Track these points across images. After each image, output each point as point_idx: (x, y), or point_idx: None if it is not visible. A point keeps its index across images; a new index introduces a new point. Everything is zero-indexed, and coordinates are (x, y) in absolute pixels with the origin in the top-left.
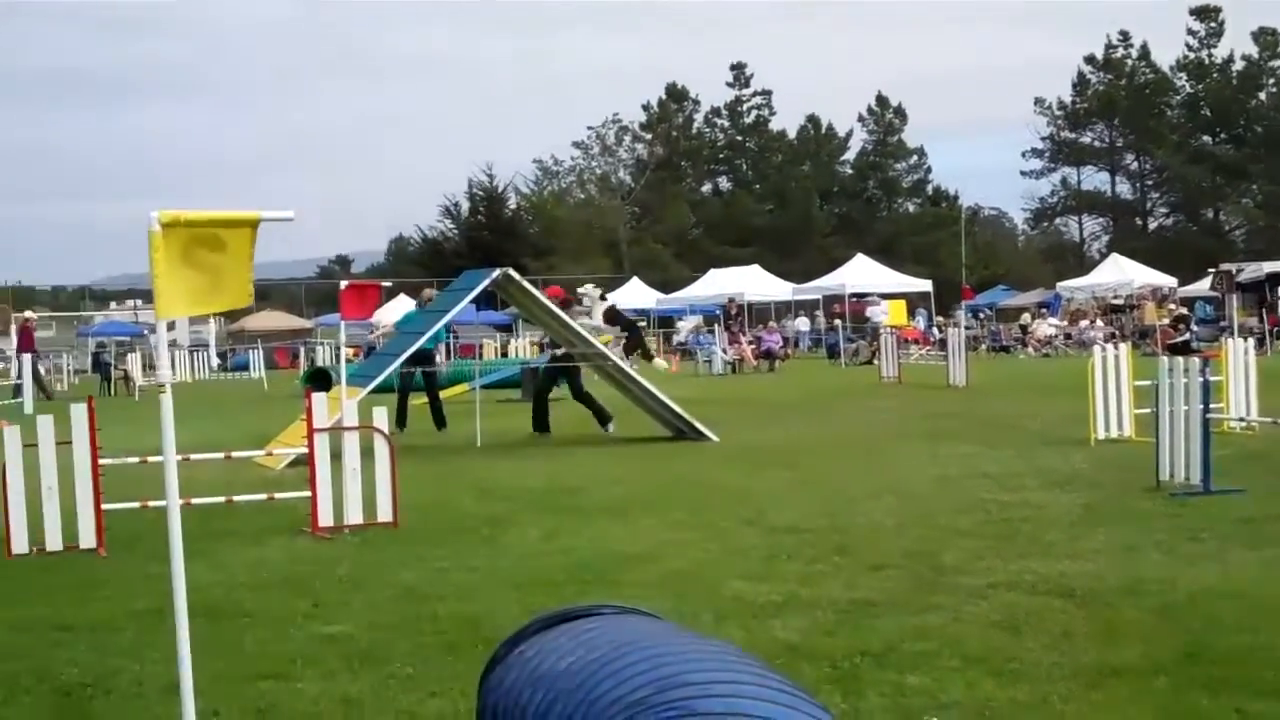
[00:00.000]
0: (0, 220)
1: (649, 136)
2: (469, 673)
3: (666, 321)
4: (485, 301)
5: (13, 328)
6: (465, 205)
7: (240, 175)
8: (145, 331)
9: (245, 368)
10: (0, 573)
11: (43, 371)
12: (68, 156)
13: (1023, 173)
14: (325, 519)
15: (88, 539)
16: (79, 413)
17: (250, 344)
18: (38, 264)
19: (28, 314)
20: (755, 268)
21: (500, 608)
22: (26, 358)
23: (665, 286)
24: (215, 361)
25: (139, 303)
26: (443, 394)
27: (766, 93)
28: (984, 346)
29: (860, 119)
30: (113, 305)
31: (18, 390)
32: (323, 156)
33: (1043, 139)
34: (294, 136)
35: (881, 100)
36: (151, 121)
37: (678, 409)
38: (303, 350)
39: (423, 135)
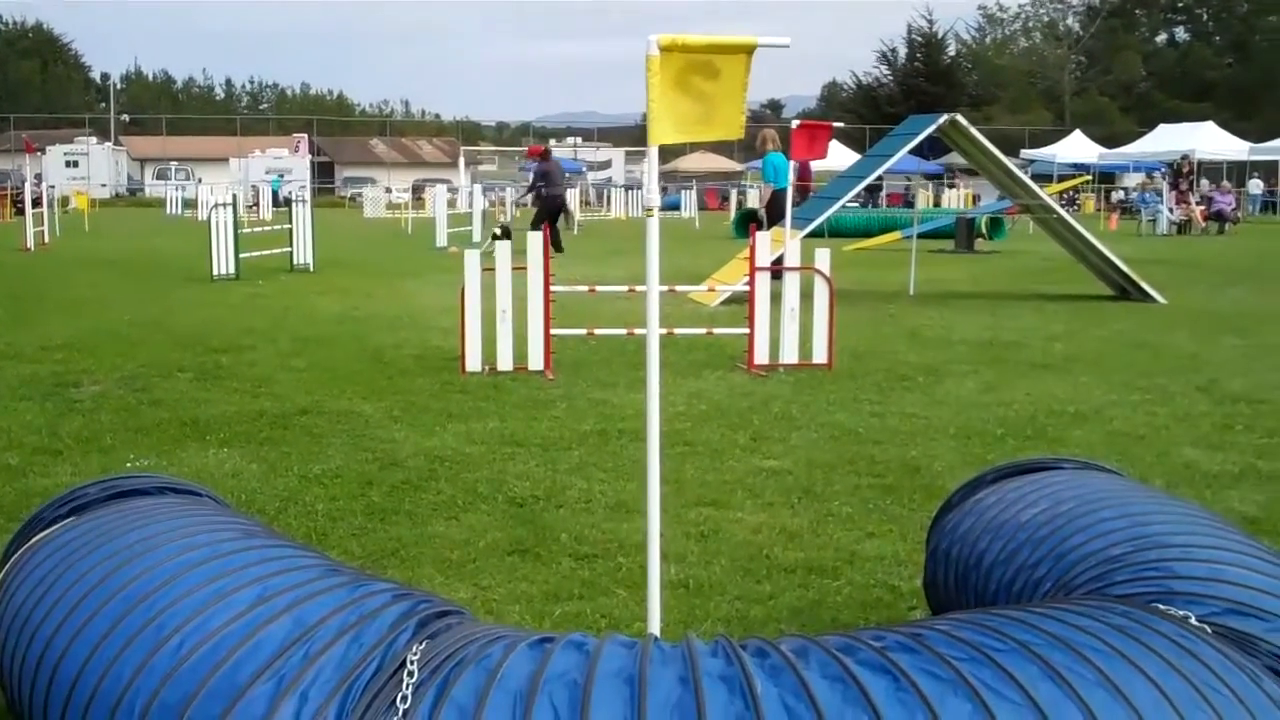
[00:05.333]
0: (448, 58)
1: None
2: (908, 516)
3: (1108, 178)
4: (925, 150)
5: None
6: (903, 51)
7: (674, 23)
8: (584, 169)
9: (676, 207)
10: (456, 388)
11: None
12: None
13: None
14: (761, 357)
15: (536, 362)
16: (534, 241)
17: (684, 184)
18: (484, 101)
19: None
20: (1209, 124)
21: (939, 455)
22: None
23: (1109, 141)
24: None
25: (578, 140)
26: (874, 241)
27: None
28: None
29: None
30: (551, 142)
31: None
32: (752, 0)
33: None
34: None
35: None
36: None
37: (1123, 266)
38: (733, 193)
39: None
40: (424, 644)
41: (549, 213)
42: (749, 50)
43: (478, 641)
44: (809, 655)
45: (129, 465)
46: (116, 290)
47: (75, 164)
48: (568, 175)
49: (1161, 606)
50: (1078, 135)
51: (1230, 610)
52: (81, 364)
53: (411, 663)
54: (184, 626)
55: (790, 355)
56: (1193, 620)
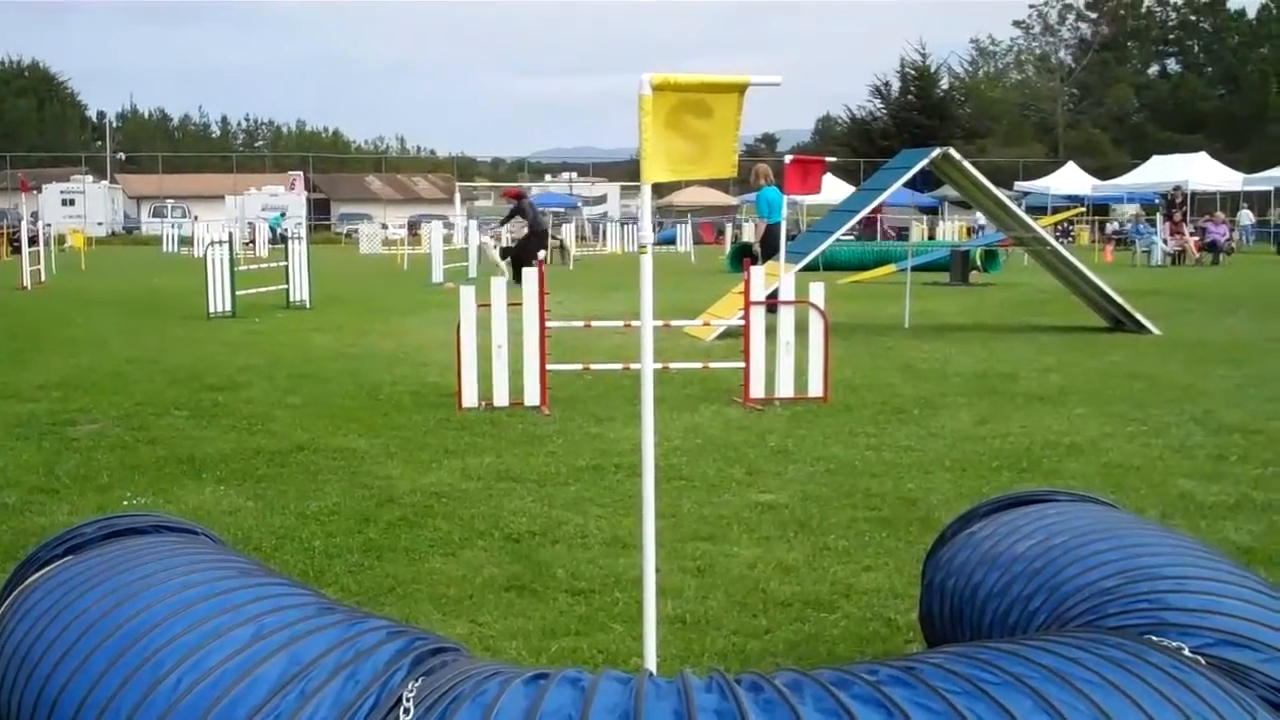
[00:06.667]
0: (444, 94)
1: (1094, 15)
2: (904, 549)
3: (1102, 209)
4: (919, 183)
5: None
6: (895, 85)
7: (669, 58)
8: (578, 203)
9: (672, 241)
10: (452, 424)
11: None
12: (506, 33)
13: None
14: (757, 390)
15: (532, 397)
16: (530, 276)
17: (678, 218)
18: (479, 137)
19: None
20: (1202, 155)
21: (935, 488)
22: None
23: (1102, 173)
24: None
25: (573, 175)
26: (869, 274)
27: None
28: None
29: None
30: (547, 178)
31: None
32: (748, 34)
33: None
34: (722, 16)
35: None
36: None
37: (1117, 298)
38: (729, 227)
39: (852, 11)
40: (419, 681)
41: (525, 248)
42: (741, 89)
43: (473, 678)
44: (803, 689)
45: (125, 504)
46: (113, 328)
47: (71, 202)
48: (564, 210)
49: (1155, 638)
50: (1071, 167)
51: (1224, 641)
52: (78, 402)
53: (407, 700)
54: (181, 664)
55: (786, 389)
56: (1186, 651)
